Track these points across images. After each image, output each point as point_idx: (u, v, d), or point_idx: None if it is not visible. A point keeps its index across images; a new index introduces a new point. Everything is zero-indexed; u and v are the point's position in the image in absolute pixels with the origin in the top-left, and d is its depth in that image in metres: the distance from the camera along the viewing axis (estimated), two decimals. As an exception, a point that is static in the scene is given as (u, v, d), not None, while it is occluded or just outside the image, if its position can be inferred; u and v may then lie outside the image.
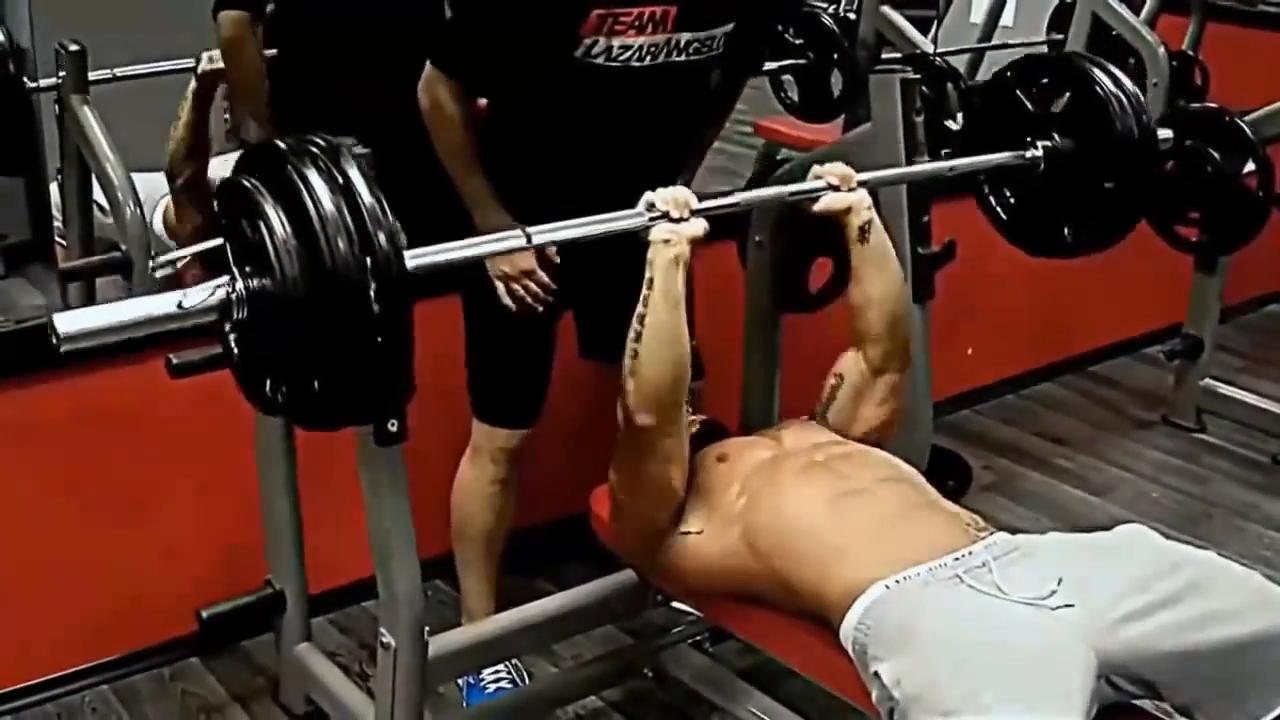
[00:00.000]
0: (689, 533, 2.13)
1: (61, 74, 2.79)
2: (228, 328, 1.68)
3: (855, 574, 1.90)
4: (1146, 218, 3.65)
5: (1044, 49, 4.74)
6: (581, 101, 2.28)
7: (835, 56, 3.99)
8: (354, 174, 1.64)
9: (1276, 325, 4.91)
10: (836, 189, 2.20)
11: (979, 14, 4.93)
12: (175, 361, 2.21)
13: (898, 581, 1.87)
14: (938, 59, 4.04)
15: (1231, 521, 3.50)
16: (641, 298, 2.01)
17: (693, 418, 2.35)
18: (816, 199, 2.21)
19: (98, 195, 2.89)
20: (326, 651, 2.68)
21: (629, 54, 2.22)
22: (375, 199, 1.63)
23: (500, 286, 2.36)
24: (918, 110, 2.47)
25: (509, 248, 1.95)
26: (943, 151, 2.57)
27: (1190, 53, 4.75)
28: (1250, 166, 3.49)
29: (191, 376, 2.20)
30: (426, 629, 2.12)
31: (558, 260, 2.36)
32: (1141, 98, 2.37)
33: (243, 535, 2.58)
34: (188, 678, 2.77)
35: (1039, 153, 2.39)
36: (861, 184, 2.22)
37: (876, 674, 1.79)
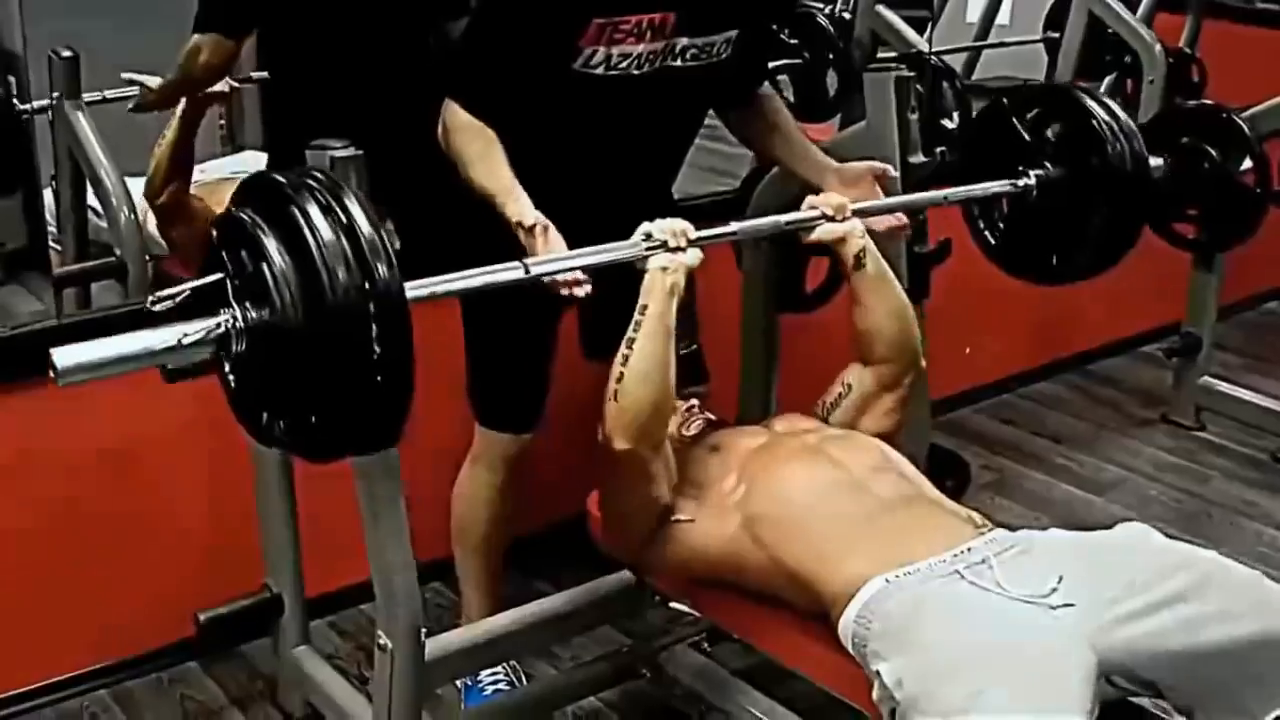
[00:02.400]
0: (679, 520, 2.13)
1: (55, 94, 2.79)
2: (225, 361, 1.67)
3: (855, 568, 1.90)
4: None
5: (1040, 47, 4.74)
6: (580, 113, 2.26)
7: (831, 56, 3.98)
8: (353, 206, 1.63)
9: (1275, 323, 4.91)
10: (831, 219, 2.20)
11: (975, 13, 4.92)
12: (170, 366, 2.21)
13: (898, 576, 1.87)
14: (933, 57, 4.03)
15: (1231, 520, 3.50)
16: (633, 322, 2.02)
17: (704, 416, 2.36)
18: (812, 228, 2.21)
19: (92, 200, 2.89)
20: (325, 654, 2.68)
21: (628, 62, 2.20)
22: (374, 230, 1.62)
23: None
24: (912, 108, 2.48)
25: (506, 280, 1.93)
26: (938, 150, 2.57)
27: (1188, 50, 4.74)
28: (1247, 163, 3.49)
29: (186, 381, 2.21)
30: (423, 631, 2.12)
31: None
32: (1135, 129, 2.38)
33: (241, 539, 2.57)
34: (186, 682, 2.76)
35: (1031, 181, 2.40)
36: (856, 213, 2.22)
37: (878, 672, 1.78)
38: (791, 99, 4.07)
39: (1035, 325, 4.26)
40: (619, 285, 2.39)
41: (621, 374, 2.00)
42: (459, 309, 2.51)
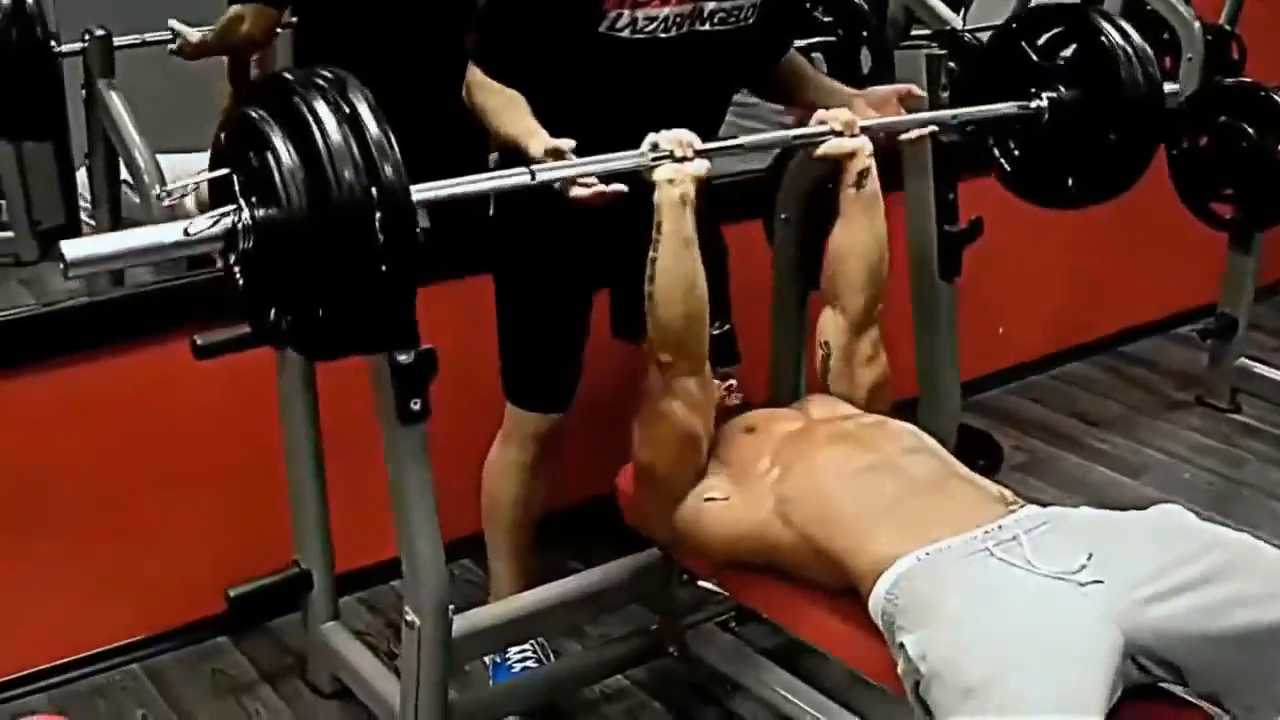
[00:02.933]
0: (713, 499, 2.13)
1: (86, 41, 2.81)
2: (233, 259, 1.70)
3: (886, 545, 1.90)
4: (1180, 194, 3.65)
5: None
6: (609, 79, 2.26)
7: (864, 34, 3.95)
8: (361, 106, 1.66)
9: (1313, 304, 4.85)
10: (839, 134, 2.23)
11: (1012, -10, 4.87)
12: (200, 342, 2.22)
13: (928, 554, 1.86)
14: (967, 35, 3.99)
15: (1265, 503, 3.46)
16: (652, 242, 2.05)
17: (739, 397, 2.36)
18: (819, 143, 2.24)
19: (126, 176, 2.90)
20: (355, 630, 2.70)
21: (654, 25, 2.21)
22: (382, 131, 1.65)
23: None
24: (943, 85, 2.46)
25: (514, 184, 1.96)
26: (968, 128, 2.54)
27: (1228, 27, 4.68)
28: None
29: (216, 357, 2.22)
30: (451, 607, 2.13)
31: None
32: (1149, 51, 2.39)
33: (273, 515, 2.58)
34: (217, 656, 2.79)
35: (1043, 104, 2.41)
36: (864, 130, 2.25)
37: (902, 645, 1.78)
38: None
39: (1069, 305, 4.23)
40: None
41: (650, 292, 2.06)
42: (492, 288, 2.52)
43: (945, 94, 2.47)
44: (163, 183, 2.83)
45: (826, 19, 3.97)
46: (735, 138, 2.20)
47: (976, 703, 1.65)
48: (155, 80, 2.93)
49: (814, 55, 4.02)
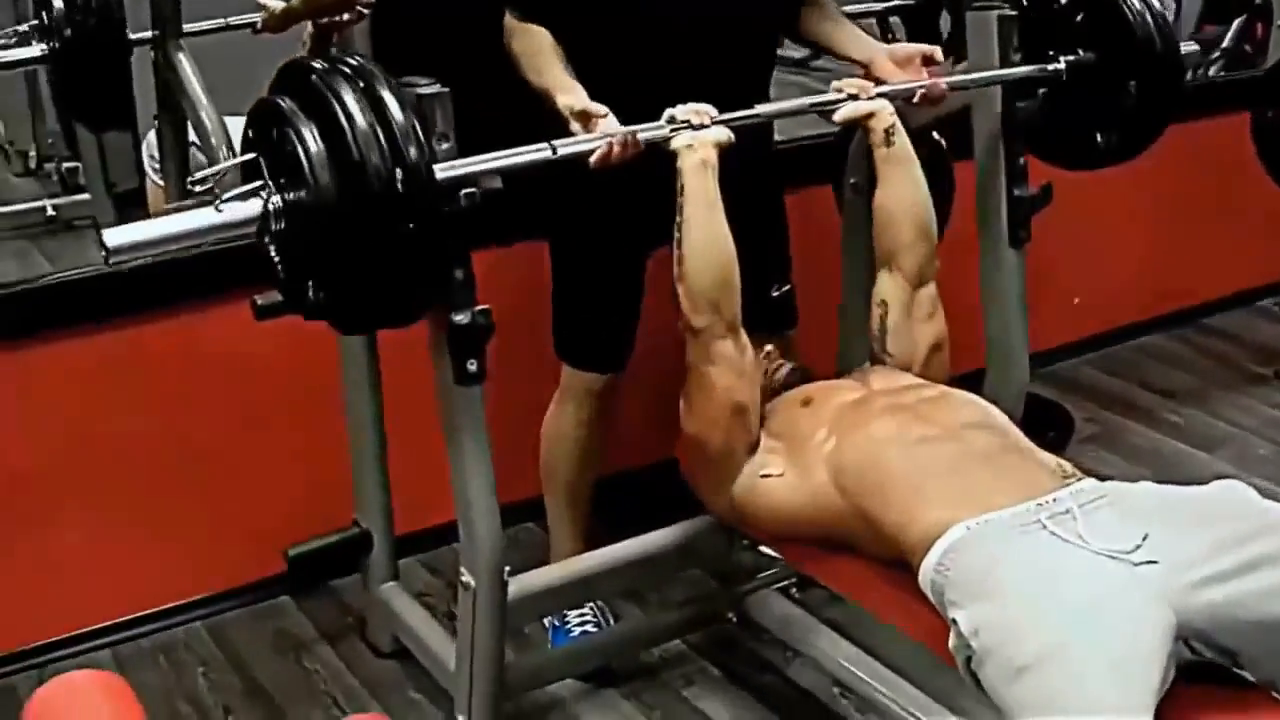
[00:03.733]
0: (769, 475, 2.12)
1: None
2: (268, 239, 1.74)
3: (936, 515, 1.87)
4: (1265, 164, 3.56)
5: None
6: (645, 20, 2.24)
7: (943, -3, 3.90)
8: (383, 90, 1.71)
9: (1401, 277, 4.72)
10: (856, 98, 2.25)
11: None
12: (260, 303, 2.23)
13: (978, 524, 1.82)
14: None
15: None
16: (677, 206, 2.07)
17: (781, 362, 2.34)
18: (838, 108, 2.26)
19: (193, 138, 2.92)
20: (415, 592, 2.71)
21: None
22: (405, 115, 1.70)
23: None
24: (1015, 48, 2.41)
25: (534, 160, 1.96)
26: (1040, 90, 2.49)
27: (1320, -7, 4.56)
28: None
29: (276, 318, 2.23)
30: (507, 569, 2.13)
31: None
32: (1165, 12, 2.42)
33: (336, 475, 2.60)
34: (278, 616, 2.82)
35: (1061, 66, 2.42)
36: (881, 95, 2.27)
37: (955, 620, 1.75)
38: (904, 41, 4.00)
39: (1147, 277, 4.15)
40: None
41: (680, 255, 2.08)
42: (547, 249, 2.51)
43: (1018, 56, 2.41)
44: (229, 145, 2.86)
45: (904, -18, 3.93)
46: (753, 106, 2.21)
47: (1029, 683, 1.62)
48: (224, 43, 2.94)
49: (892, 20, 3.98)
